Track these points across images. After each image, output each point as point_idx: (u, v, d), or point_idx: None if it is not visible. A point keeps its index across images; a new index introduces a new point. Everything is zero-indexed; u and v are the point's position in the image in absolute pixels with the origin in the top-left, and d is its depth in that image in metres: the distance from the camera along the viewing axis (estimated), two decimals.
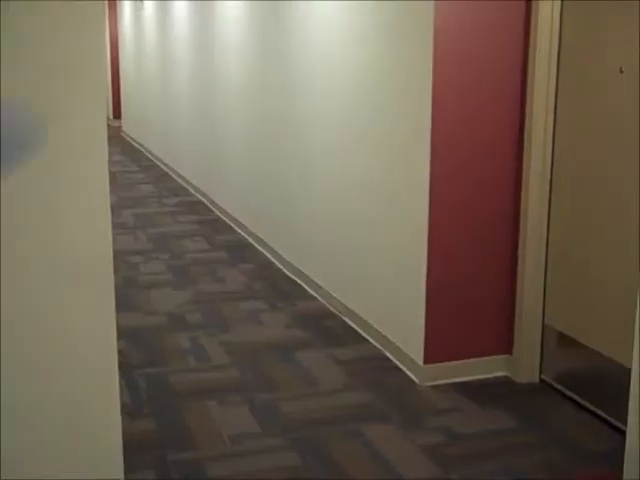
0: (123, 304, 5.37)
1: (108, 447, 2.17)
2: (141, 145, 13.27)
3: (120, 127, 15.79)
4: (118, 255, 6.56)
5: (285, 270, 6.09)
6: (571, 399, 3.93)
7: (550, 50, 3.86)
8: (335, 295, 5.21)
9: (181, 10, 9.45)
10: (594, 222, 3.76)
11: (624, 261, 3.49)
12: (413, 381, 4.16)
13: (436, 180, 3.94)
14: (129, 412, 3.83)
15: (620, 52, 3.51)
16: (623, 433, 2.87)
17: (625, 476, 2.79)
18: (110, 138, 9.77)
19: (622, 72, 3.46)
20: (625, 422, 2.80)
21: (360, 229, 4.80)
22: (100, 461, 2.17)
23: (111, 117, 16.97)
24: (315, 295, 5.51)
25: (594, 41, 3.68)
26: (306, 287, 5.68)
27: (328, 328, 4.95)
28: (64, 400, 2.14)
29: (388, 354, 4.48)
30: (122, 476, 2.17)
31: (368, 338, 4.71)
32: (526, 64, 3.93)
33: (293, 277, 5.92)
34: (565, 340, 4.03)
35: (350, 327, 4.92)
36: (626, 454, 2.79)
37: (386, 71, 4.35)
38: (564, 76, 3.88)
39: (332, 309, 5.22)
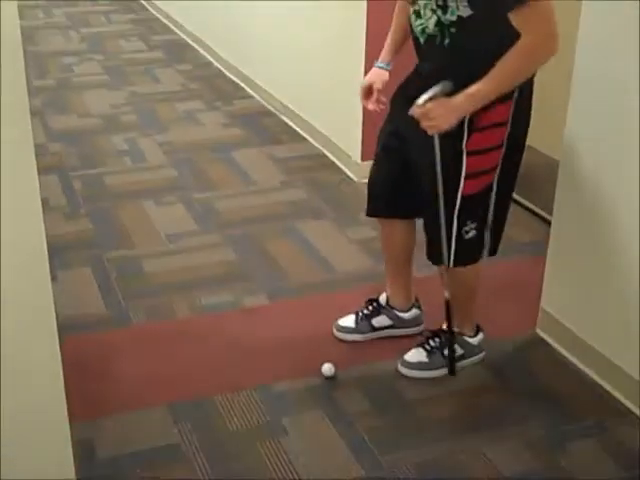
0: (57, 107, 5.23)
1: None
2: None
3: None
4: (50, 56, 6.34)
5: (224, 70, 5.94)
6: None
7: None
8: (274, 94, 5.11)
9: None
10: None
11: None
12: (350, 178, 4.18)
13: None
14: (65, 213, 3.81)
15: None
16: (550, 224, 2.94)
17: (547, 265, 2.88)
18: None
19: None
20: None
21: (299, 30, 4.65)
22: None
23: None
24: (254, 94, 5.41)
25: None
26: (245, 86, 5.56)
27: (266, 126, 4.89)
28: None
29: (326, 152, 4.46)
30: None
31: (306, 136, 4.68)
32: None
33: (232, 77, 5.78)
34: None
35: (288, 125, 4.87)
36: (550, 242, 2.87)
37: None
38: None
39: (271, 108, 5.14)
